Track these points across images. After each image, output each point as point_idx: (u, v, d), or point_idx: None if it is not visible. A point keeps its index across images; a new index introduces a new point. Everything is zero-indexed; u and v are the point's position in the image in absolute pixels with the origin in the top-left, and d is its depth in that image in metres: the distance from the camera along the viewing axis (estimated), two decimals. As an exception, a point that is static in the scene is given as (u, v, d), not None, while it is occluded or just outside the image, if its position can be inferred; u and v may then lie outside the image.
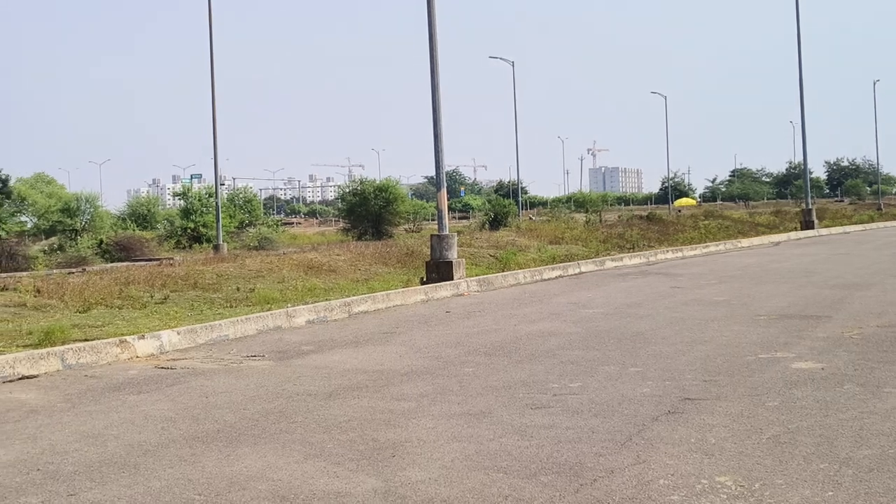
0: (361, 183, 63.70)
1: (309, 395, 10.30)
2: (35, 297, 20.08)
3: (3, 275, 32.41)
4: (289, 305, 18.21)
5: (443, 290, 21.77)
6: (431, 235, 25.56)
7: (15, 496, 6.77)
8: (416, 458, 7.46)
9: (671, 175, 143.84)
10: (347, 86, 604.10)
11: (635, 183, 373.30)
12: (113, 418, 9.40)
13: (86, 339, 14.07)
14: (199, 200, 60.74)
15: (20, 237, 47.12)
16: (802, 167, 59.82)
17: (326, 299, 19.36)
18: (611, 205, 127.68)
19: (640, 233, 42.12)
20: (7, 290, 20.94)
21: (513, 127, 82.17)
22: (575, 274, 27.08)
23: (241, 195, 71.58)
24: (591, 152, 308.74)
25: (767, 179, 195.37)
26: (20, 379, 11.98)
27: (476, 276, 24.64)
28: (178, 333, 14.71)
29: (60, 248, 51.85)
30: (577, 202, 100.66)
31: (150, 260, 37.27)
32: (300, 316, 17.17)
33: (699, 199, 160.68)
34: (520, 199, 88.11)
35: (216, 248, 44.22)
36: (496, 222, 62.49)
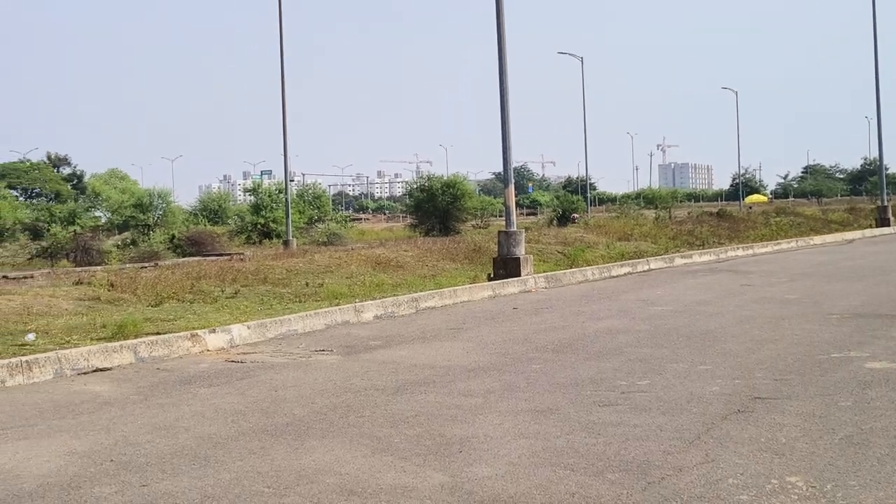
0: (429, 179, 63.81)
1: (376, 389, 10.36)
2: (109, 290, 20.46)
3: (78, 269, 33.09)
4: (357, 301, 18.33)
5: (510, 286, 21.74)
6: (499, 232, 25.53)
7: (89, 486, 6.91)
8: (482, 455, 7.46)
9: (742, 171, 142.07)
10: (416, 82, 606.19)
11: (705, 179, 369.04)
12: (184, 411, 9.55)
13: (158, 333, 14.31)
14: (269, 196, 61.35)
15: (94, 232, 47.98)
16: (878, 163, 58.63)
17: (394, 295, 19.45)
18: (680, 201, 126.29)
19: (710, 230, 41.60)
20: (82, 283, 21.36)
21: (581, 123, 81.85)
22: (644, 271, 26.87)
23: (310, 191, 72.21)
24: (660, 148, 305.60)
25: (841, 176, 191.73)
26: (94, 371, 12.22)
27: (544, 272, 24.55)
28: (248, 328, 14.89)
29: (133, 242, 52.74)
30: (647, 198, 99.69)
31: (220, 255, 37.80)
32: (368, 311, 17.28)
33: (771, 196, 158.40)
34: (588, 195, 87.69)
35: (286, 243, 44.61)
36: (564, 218, 62.26)
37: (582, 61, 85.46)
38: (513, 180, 24.64)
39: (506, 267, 23.32)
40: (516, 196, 25.15)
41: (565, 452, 7.45)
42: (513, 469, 7.03)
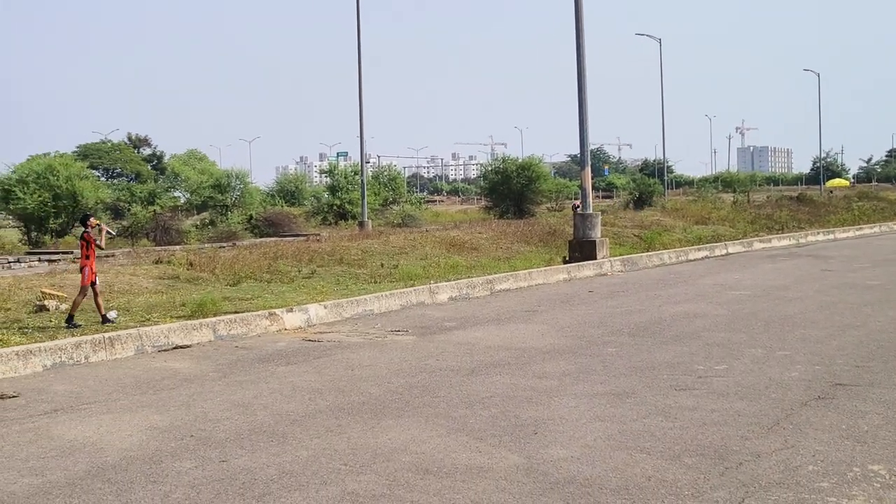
0: (504, 161, 63.48)
1: (451, 370, 10.40)
2: (188, 270, 20.80)
3: (158, 248, 33.66)
4: (431, 282, 18.38)
5: (585, 269, 21.63)
6: (575, 214, 25.40)
7: (170, 460, 7.04)
8: (557, 436, 7.45)
9: (823, 155, 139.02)
10: (492, 64, 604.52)
11: (785, 163, 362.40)
12: (262, 388, 9.68)
13: (236, 312, 14.51)
14: (344, 178, 61.63)
15: (174, 212, 48.54)
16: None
17: (469, 276, 19.47)
18: (759, 185, 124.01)
19: (790, 214, 40.92)
20: (161, 262, 21.75)
21: (659, 105, 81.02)
22: (721, 255, 26.55)
23: (385, 173, 72.45)
24: (739, 131, 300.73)
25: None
26: (174, 349, 12.44)
27: (619, 255, 24.38)
28: (325, 307, 15.03)
29: (212, 222, 53.37)
30: (725, 182, 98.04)
31: (297, 235, 38.11)
32: (443, 292, 17.33)
33: (853, 180, 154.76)
34: (665, 178, 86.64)
35: (361, 224, 44.79)
36: (640, 201, 61.63)
37: (660, 43, 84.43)
38: (589, 162, 24.45)
39: (581, 250, 23.19)
40: (592, 179, 24.90)
41: (641, 436, 7.40)
42: (588, 451, 7.01)
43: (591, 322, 13.98)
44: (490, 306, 16.27)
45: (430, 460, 6.87)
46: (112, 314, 14.33)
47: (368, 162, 57.60)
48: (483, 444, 7.29)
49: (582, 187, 24.91)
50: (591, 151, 25.03)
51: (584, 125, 24.11)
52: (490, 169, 64.68)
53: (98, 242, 14.66)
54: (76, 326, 13.37)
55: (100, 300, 14.12)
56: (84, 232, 14.64)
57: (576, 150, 25.64)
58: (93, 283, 14.09)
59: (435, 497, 6.06)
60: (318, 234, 37.73)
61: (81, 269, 14.31)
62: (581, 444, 7.20)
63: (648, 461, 6.73)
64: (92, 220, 14.96)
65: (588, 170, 24.40)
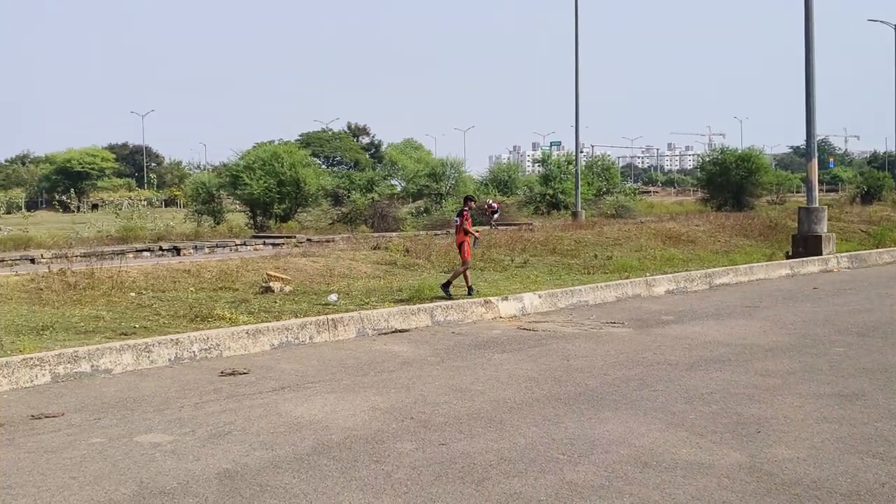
0: (722, 152, 61.86)
1: (669, 364, 10.21)
2: (404, 256, 21.28)
3: (375, 234, 34.56)
4: (647, 274, 18.13)
5: (809, 265, 20.81)
6: (799, 208, 24.50)
7: (391, 441, 7.21)
8: (782, 436, 7.19)
9: None
10: (709, 52, 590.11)
11: None
12: (479, 374, 9.78)
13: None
14: (558, 167, 61.46)
15: (390, 199, 49.66)
16: None
17: (686, 270, 19.09)
18: None
19: None
20: (379, 248, 22.33)
21: (892, 95, 76.92)
22: (959, 253, 25.00)
23: (598, 163, 71.78)
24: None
25: None
26: (393, 332, 12.74)
27: (846, 251, 23.34)
28: (539, 297, 15.05)
29: (426, 210, 54.40)
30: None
31: (509, 224, 38.35)
32: (659, 285, 17.05)
33: None
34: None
35: (574, 214, 44.64)
36: (868, 196, 58.85)
37: (894, 28, 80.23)
38: (816, 154, 23.48)
39: (805, 245, 22.35)
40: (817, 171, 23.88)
41: (873, 440, 7.05)
42: (815, 453, 6.73)
43: (816, 320, 13.43)
44: (709, 300, 15.89)
45: (648, 454, 6.77)
46: (332, 297, 14.83)
47: (582, 151, 57.16)
48: (703, 440, 7.12)
49: (807, 180, 23.99)
50: (817, 143, 24.02)
51: (810, 114, 23.16)
52: (708, 160, 63.25)
53: (466, 226, 15.92)
54: (451, 297, 14.80)
55: (466, 271, 15.56)
56: (463, 210, 16.08)
57: (798, 142, 24.77)
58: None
59: (655, 491, 5.96)
60: (531, 224, 37.86)
61: (460, 246, 15.76)
62: (808, 446, 6.92)
63: (882, 467, 6.40)
64: (472, 203, 16.70)
65: (815, 162, 23.44)
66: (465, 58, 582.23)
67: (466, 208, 16.18)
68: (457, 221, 16.09)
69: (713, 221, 30.34)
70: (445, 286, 15.25)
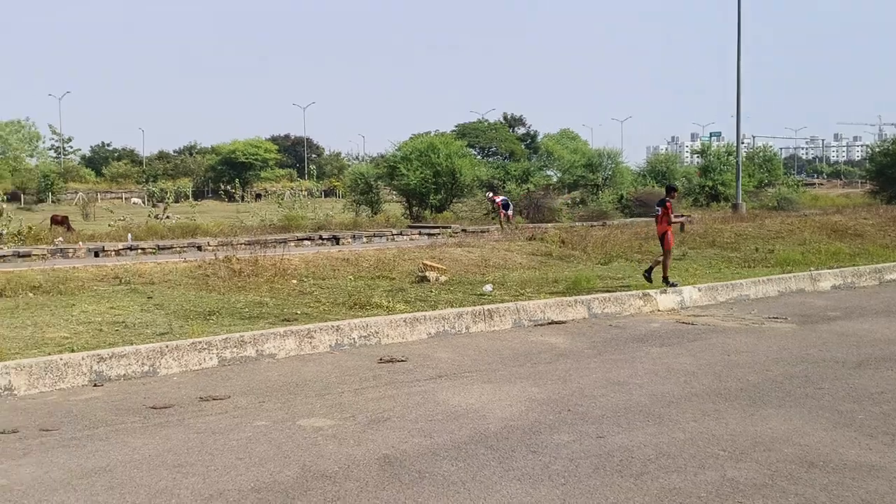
0: (894, 143, 59.48)
1: (835, 362, 9.87)
2: (560, 247, 21.20)
3: (531, 225, 34.52)
4: (812, 268, 17.57)
5: None
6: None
7: (548, 433, 7.18)
8: (959, 440, 6.86)
9: None
10: (879, 37, 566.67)
11: None
12: (637, 368, 9.66)
13: (608, 290, 14.59)
14: (717, 158, 60.14)
15: (546, 190, 49.54)
16: None
17: (853, 264, 18.41)
18: None
19: None
20: (534, 239, 22.30)
21: None
22: None
23: (760, 154, 69.84)
24: None
25: None
26: (549, 323, 12.70)
27: None
28: (699, 290, 14.78)
29: (582, 201, 54.10)
30: None
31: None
32: (825, 280, 16.50)
33: None
34: None
35: (734, 206, 43.57)
36: None
37: None
38: None
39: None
40: None
41: None
42: None
43: None
44: (878, 297, 15.30)
45: (814, 453, 6.55)
46: (488, 287, 14.88)
47: (743, 142, 55.69)
48: (874, 441, 6.85)
49: None
50: None
51: None
52: (878, 150, 60.84)
53: (674, 216, 16.22)
54: (673, 285, 14.92)
55: (668, 262, 15.70)
56: (666, 200, 16.19)
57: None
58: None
59: (822, 492, 5.77)
60: (690, 216, 37.15)
61: (662, 236, 15.83)
62: None
63: None
64: (675, 192, 16.84)
65: None
66: (623, 47, 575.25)
67: (669, 199, 16.12)
68: (658, 212, 15.94)
69: (883, 215, 29.18)
70: (648, 272, 15.58)
